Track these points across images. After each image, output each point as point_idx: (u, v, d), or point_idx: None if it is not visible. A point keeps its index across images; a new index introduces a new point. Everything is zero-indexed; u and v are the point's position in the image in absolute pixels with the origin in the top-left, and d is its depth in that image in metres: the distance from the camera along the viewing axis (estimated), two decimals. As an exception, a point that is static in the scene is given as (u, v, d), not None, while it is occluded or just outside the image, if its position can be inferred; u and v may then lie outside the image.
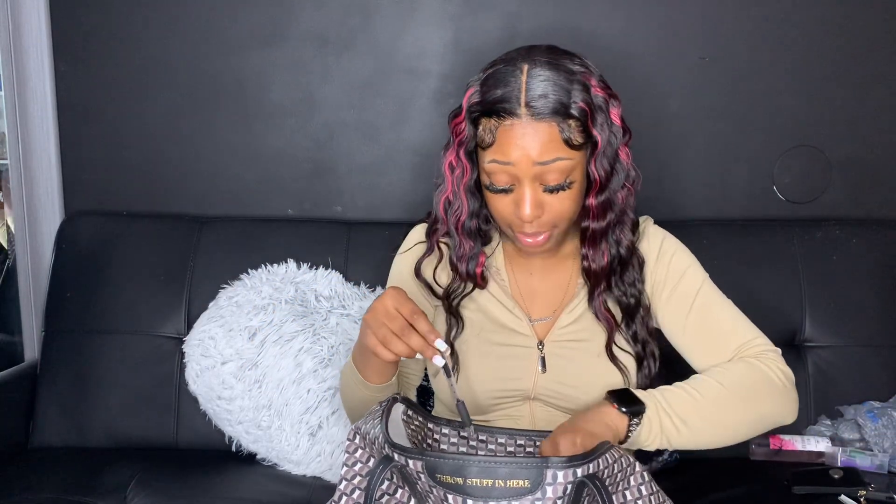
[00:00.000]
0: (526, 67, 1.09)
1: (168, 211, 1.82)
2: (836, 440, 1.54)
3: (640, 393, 1.12)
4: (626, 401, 1.10)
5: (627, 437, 1.09)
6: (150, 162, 1.84)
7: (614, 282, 1.21)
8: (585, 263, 1.21)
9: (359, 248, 1.72)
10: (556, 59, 1.11)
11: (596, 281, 1.21)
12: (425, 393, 1.57)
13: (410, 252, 1.30)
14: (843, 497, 1.35)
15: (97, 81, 1.82)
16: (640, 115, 1.77)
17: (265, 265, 1.68)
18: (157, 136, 1.83)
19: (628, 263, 1.22)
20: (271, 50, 1.80)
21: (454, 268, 1.25)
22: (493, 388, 1.21)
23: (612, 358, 1.20)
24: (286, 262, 1.68)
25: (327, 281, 1.66)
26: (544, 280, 1.26)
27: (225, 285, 1.68)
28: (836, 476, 1.40)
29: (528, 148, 1.07)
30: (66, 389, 1.68)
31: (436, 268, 1.27)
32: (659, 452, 1.55)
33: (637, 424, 1.09)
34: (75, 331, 1.71)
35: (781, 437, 1.55)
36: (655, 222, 1.30)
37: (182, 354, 1.67)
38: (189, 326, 1.68)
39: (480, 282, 1.24)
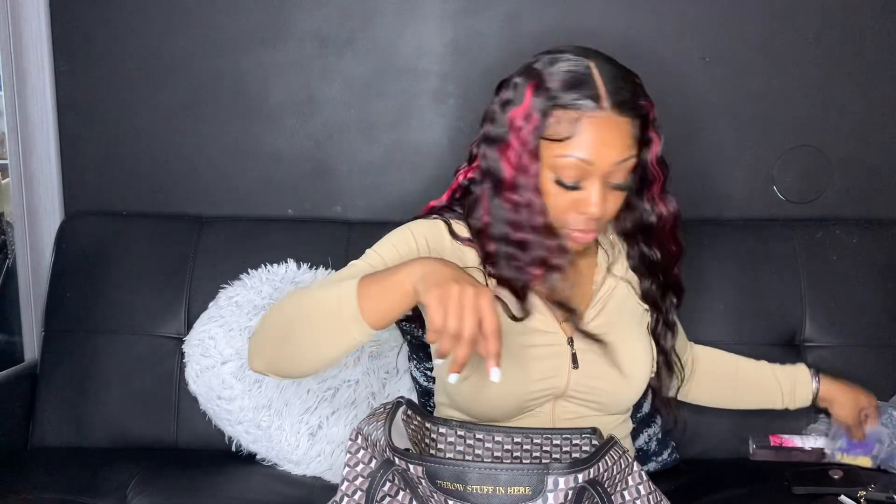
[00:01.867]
0: (593, 63, 1.09)
1: (168, 211, 1.82)
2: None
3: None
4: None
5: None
6: (150, 162, 1.84)
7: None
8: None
9: (359, 248, 1.68)
10: (609, 58, 1.12)
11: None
12: (426, 393, 1.57)
13: (409, 234, 1.20)
14: (843, 497, 1.35)
15: (97, 81, 1.82)
16: (640, 115, 1.77)
17: (265, 265, 1.68)
18: (157, 136, 1.83)
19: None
20: (271, 50, 1.80)
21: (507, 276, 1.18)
22: (529, 390, 1.18)
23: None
24: (286, 262, 1.68)
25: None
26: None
27: (225, 285, 1.68)
28: (836, 476, 1.41)
29: (610, 147, 1.07)
30: (66, 389, 1.68)
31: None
32: (658, 453, 1.55)
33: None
34: (75, 331, 1.71)
35: (781, 436, 1.55)
36: None
37: (182, 354, 1.66)
38: (189, 326, 1.68)
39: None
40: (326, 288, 1.03)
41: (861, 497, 1.35)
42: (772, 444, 1.55)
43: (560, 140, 1.08)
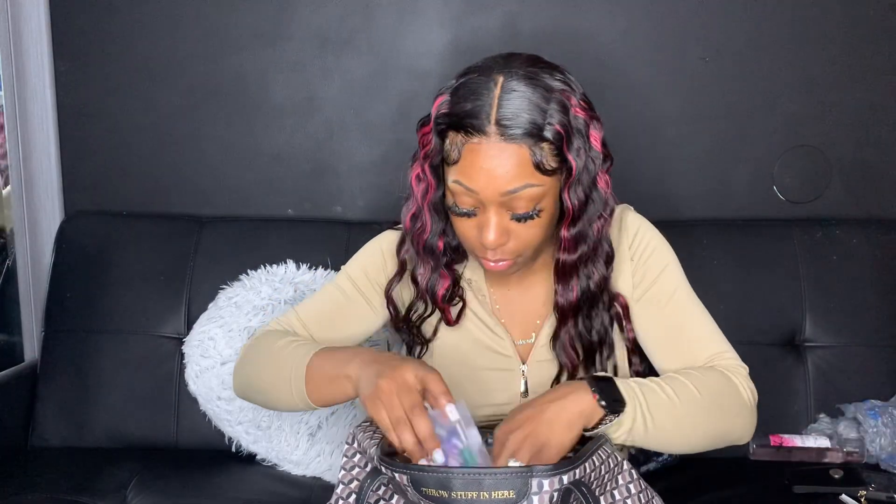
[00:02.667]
0: (501, 80, 1.00)
1: (168, 211, 1.82)
2: (835, 438, 1.54)
3: (621, 385, 1.02)
4: (607, 391, 1.00)
5: (594, 428, 1.00)
6: (149, 162, 1.84)
7: (581, 318, 1.13)
8: (556, 298, 1.13)
9: (359, 249, 1.72)
10: (536, 72, 1.01)
11: (563, 317, 1.13)
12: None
13: (378, 251, 1.24)
14: (843, 497, 1.35)
15: (97, 81, 1.82)
16: (640, 115, 1.78)
17: (265, 266, 1.68)
18: (157, 135, 1.83)
19: (598, 299, 1.13)
20: (271, 50, 1.80)
21: (415, 285, 1.18)
22: (477, 413, 1.14)
23: None
24: (286, 262, 1.68)
25: (327, 282, 1.66)
26: (523, 294, 1.20)
27: (224, 286, 1.68)
28: (836, 476, 1.40)
29: (495, 176, 0.99)
30: (66, 389, 1.68)
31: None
32: (657, 452, 1.55)
33: (610, 421, 1.00)
34: (75, 331, 1.71)
35: (781, 436, 1.55)
36: (653, 222, 1.24)
37: (182, 355, 1.66)
38: (189, 327, 1.68)
39: (441, 303, 1.17)
40: (284, 354, 1.11)
41: (861, 497, 1.35)
42: (772, 443, 1.55)
43: (450, 164, 1.03)
